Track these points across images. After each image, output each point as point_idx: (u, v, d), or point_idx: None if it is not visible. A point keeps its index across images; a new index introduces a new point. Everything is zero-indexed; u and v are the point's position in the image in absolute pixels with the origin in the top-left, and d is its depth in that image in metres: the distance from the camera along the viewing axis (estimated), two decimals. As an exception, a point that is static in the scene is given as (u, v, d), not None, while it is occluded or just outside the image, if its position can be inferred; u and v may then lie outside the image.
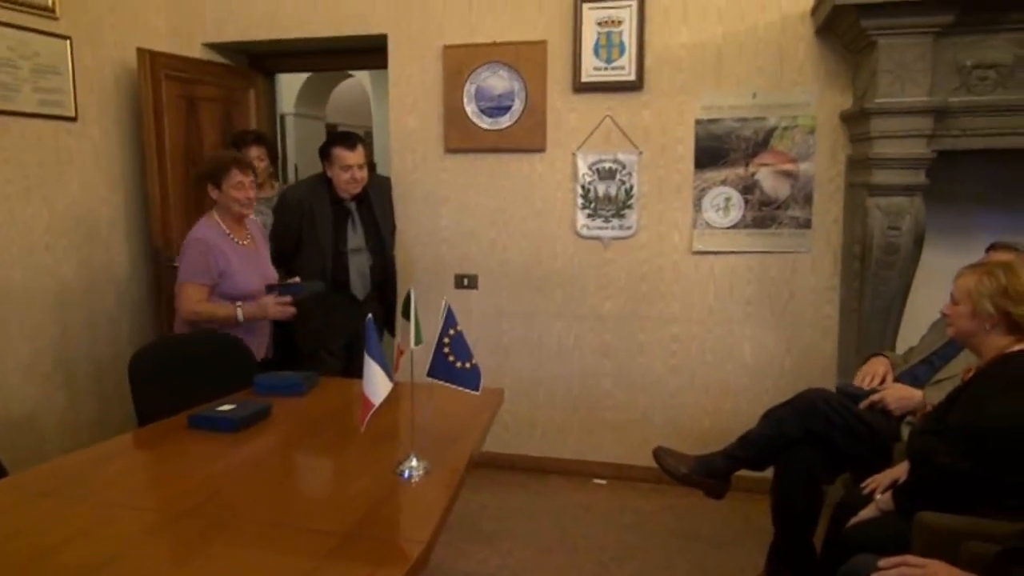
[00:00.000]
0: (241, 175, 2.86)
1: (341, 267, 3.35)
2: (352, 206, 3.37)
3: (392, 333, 3.66)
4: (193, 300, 2.79)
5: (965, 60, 2.86)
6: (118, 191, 3.68)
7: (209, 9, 3.95)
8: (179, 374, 2.55)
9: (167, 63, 3.67)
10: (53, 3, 3.25)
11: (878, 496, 2.10)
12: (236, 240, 2.92)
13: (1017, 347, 1.94)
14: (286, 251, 3.32)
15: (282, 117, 7.88)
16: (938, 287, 2.98)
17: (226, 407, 2.21)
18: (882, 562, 1.51)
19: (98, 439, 2.20)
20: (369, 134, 9.20)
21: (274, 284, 2.95)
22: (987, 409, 1.86)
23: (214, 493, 1.73)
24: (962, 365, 2.36)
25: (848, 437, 2.53)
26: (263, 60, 4.29)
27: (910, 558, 1.47)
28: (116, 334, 3.69)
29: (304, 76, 8.13)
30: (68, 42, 3.34)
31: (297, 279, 3.05)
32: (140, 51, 3.56)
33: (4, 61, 3.06)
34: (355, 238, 3.38)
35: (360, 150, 3.30)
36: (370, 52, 3.97)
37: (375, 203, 3.46)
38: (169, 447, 2.07)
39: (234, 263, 2.86)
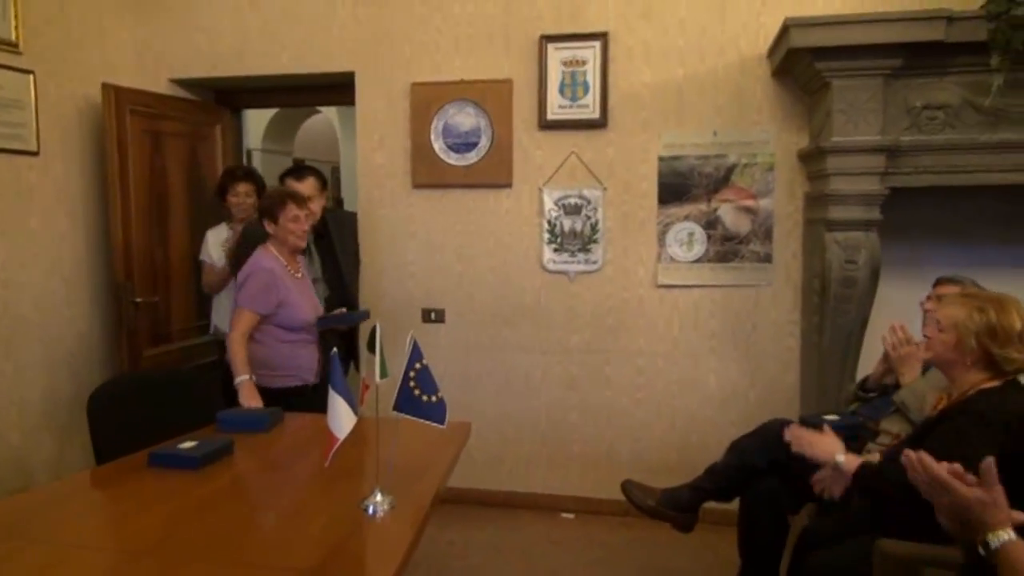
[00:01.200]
0: (296, 209, 2.93)
1: None
2: (309, 238, 3.31)
3: (356, 367, 3.65)
4: (241, 328, 2.84)
5: (915, 101, 2.98)
6: (79, 226, 3.64)
7: (176, 45, 3.95)
8: (139, 411, 2.52)
9: (132, 98, 3.66)
10: (17, 37, 3.23)
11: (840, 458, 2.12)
12: (292, 272, 2.98)
13: (991, 383, 1.95)
14: None
15: (249, 152, 7.87)
16: (894, 318, 3.07)
17: (187, 444, 2.18)
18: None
19: (55, 479, 2.15)
20: (337, 170, 9.22)
21: (322, 316, 3.04)
22: (967, 441, 1.85)
23: (174, 532, 1.69)
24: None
25: (811, 467, 2.56)
26: (230, 96, 4.29)
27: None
28: (76, 371, 3.60)
29: (272, 111, 8.16)
30: (31, 76, 3.31)
31: (343, 310, 3.18)
32: (105, 86, 3.55)
33: (-35, 95, 3.03)
34: (311, 269, 3.34)
35: (310, 181, 3.32)
36: (337, 88, 4.00)
37: (335, 236, 3.47)
38: (128, 486, 2.03)
39: (292, 294, 2.92)
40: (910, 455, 1.47)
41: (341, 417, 1.68)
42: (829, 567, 1.94)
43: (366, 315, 3.20)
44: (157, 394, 2.63)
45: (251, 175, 3.77)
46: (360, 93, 3.82)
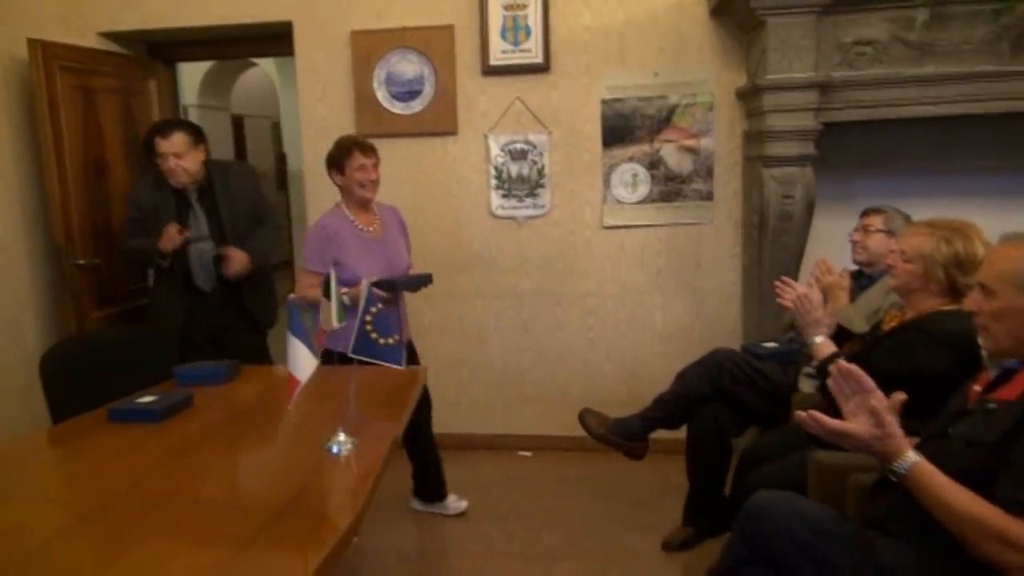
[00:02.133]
0: (363, 158, 2.84)
1: (182, 257, 3.21)
2: (193, 196, 3.22)
3: (261, 328, 3.42)
4: (304, 287, 2.78)
5: (845, 37, 3.07)
6: (13, 189, 3.54)
7: (102, -4, 3.81)
8: (93, 370, 2.51)
9: (60, 54, 3.53)
10: (-69, -9, 3.09)
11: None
12: (361, 227, 2.90)
13: (947, 307, 2.08)
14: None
15: (185, 108, 7.63)
16: (829, 250, 3.22)
17: (147, 398, 2.20)
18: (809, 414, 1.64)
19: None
20: (277, 125, 9.02)
21: (376, 280, 2.73)
22: (912, 357, 2.01)
23: (141, 481, 1.73)
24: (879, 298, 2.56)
25: (752, 392, 2.72)
26: (163, 49, 4.17)
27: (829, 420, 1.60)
28: (19, 336, 3.55)
29: (206, 66, 7.90)
30: (-50, 33, 3.17)
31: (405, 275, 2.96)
32: (31, 41, 3.41)
33: None
34: (196, 227, 3.21)
35: (176, 138, 3.13)
36: (274, 39, 3.92)
37: (219, 191, 3.26)
38: (90, 441, 2.05)
39: (352, 252, 2.82)
40: (800, 415, 1.62)
41: (302, 361, 1.72)
42: (769, 480, 2.07)
43: (428, 279, 2.85)
44: (110, 354, 2.62)
45: (183, 125, 3.60)
46: (298, 43, 3.75)
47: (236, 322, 3.31)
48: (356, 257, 2.83)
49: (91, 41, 3.82)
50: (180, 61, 4.35)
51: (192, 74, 7.86)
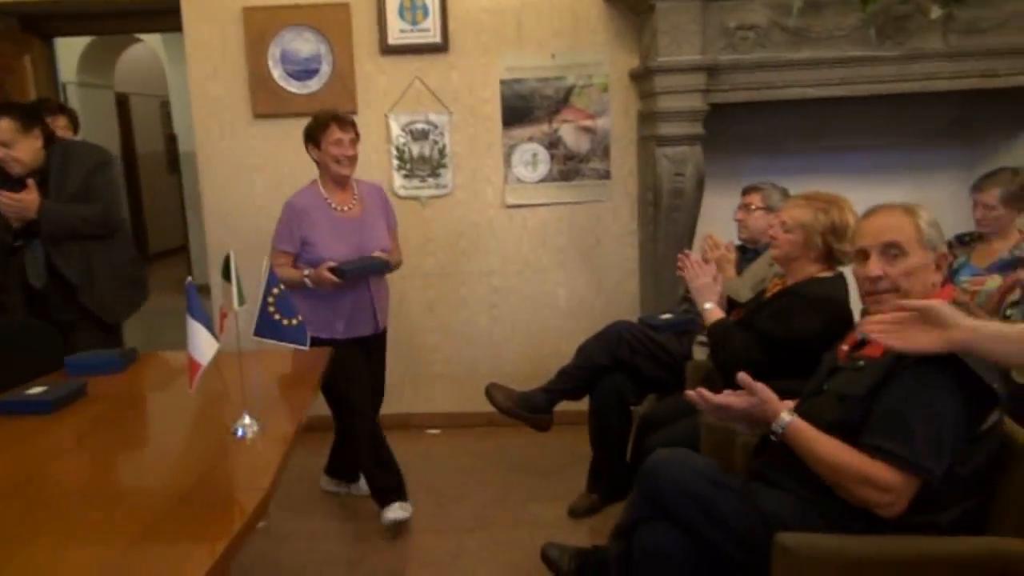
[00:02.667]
0: (340, 131, 2.75)
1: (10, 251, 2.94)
2: (33, 183, 2.87)
3: (109, 326, 3.10)
4: (278, 266, 2.67)
5: (729, 22, 3.23)
6: None
7: (-34, -35, 3.56)
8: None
9: (-79, 26, 3.29)
10: None
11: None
12: (335, 206, 2.79)
13: (823, 274, 2.25)
14: None
15: (63, 86, 7.18)
16: (718, 225, 3.39)
17: (36, 389, 2.11)
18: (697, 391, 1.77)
19: None
20: (167, 103, 8.62)
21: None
22: (791, 322, 2.18)
23: (34, 473, 1.67)
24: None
25: (649, 361, 2.85)
26: (39, 23, 3.92)
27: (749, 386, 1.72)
28: None
29: (85, 42, 7.44)
30: None
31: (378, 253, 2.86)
32: None
33: None
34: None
35: (2, 125, 2.77)
36: (160, 14, 3.77)
37: (54, 174, 2.91)
38: (-27, 436, 1.95)
39: (320, 231, 2.72)
40: (690, 394, 1.76)
41: (202, 342, 1.70)
42: (665, 442, 2.19)
43: (384, 265, 2.82)
44: (-8, 345, 2.49)
45: (64, 109, 3.54)
46: (187, 19, 3.61)
47: (81, 320, 3.00)
48: (322, 237, 2.75)
49: (-44, 13, 3.57)
50: (58, 36, 4.11)
51: (70, 49, 7.38)
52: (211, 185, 3.72)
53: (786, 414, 1.64)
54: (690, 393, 1.75)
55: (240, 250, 3.68)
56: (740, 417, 1.71)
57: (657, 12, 3.16)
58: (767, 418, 1.66)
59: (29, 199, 2.81)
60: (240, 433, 1.84)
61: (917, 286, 1.66)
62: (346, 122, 2.82)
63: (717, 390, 1.74)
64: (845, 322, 2.20)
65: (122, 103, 8.67)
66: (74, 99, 7.59)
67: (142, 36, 7.62)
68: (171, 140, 8.75)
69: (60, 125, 3.41)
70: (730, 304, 2.62)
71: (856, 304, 2.23)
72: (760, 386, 1.66)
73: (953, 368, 1.48)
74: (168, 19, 3.69)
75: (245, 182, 3.74)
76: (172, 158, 8.83)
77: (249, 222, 3.76)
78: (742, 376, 1.69)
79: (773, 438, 1.67)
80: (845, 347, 1.78)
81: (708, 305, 2.40)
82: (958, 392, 1.49)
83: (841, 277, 2.28)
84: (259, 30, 3.57)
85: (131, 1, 3.65)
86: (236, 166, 3.72)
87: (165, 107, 9.03)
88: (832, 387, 1.71)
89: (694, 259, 2.46)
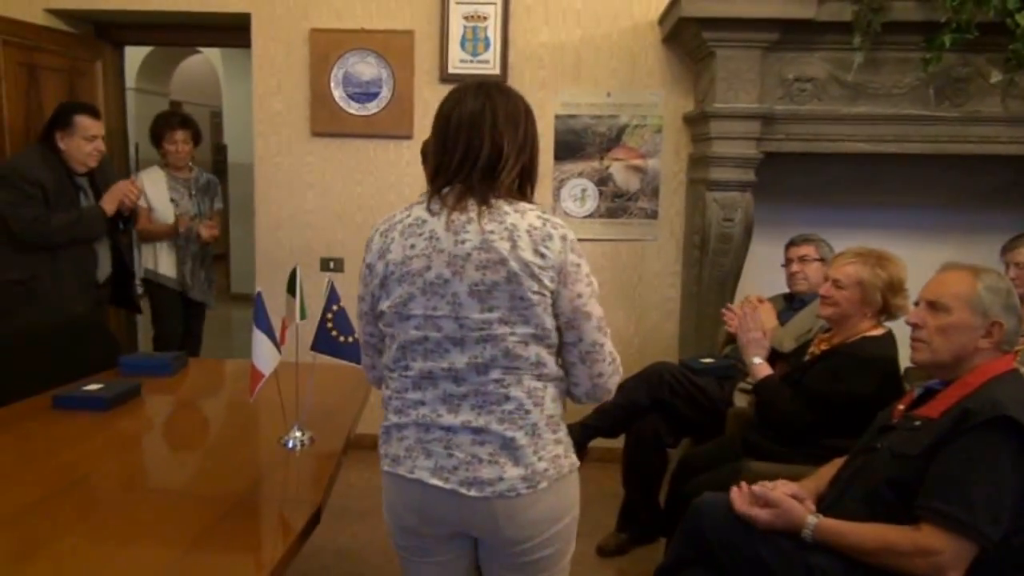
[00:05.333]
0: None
1: (88, 246, 3.23)
2: (83, 182, 3.24)
3: (137, 310, 3.73)
4: None
5: (788, 73, 3.25)
6: (-55, 163, 3.39)
7: (51, -28, 3.70)
8: (23, 363, 2.41)
9: (4, 27, 3.41)
10: None
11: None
12: None
13: (874, 332, 2.23)
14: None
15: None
16: (763, 272, 3.39)
17: (93, 386, 2.17)
18: (740, 485, 1.76)
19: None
20: (218, 114, 8.83)
21: None
22: (842, 382, 2.16)
23: (92, 469, 1.72)
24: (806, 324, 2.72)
25: (689, 405, 2.84)
26: (110, 30, 4.06)
27: (768, 495, 1.71)
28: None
29: (146, 49, 7.67)
30: None
31: None
32: (-27, 13, 3.30)
33: None
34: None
35: (101, 121, 3.24)
36: (229, 30, 3.88)
37: (100, 181, 3.30)
38: (32, 428, 2.00)
39: None
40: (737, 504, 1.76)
41: (265, 353, 1.74)
42: (705, 487, 2.18)
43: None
44: (48, 343, 2.55)
45: (188, 122, 3.76)
46: (256, 36, 3.72)
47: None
48: None
49: (37, 17, 3.70)
50: (129, 44, 4.25)
51: (131, 56, 7.61)
52: (265, 197, 3.80)
53: (811, 517, 1.65)
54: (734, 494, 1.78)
55: (285, 262, 3.79)
56: (769, 528, 1.69)
57: (717, 58, 3.20)
58: (793, 526, 1.66)
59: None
60: (291, 445, 1.87)
61: (952, 345, 1.66)
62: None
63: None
64: (896, 381, 2.19)
65: (176, 110, 8.89)
66: (130, 103, 7.81)
67: (202, 49, 7.84)
68: (219, 150, 8.94)
69: (179, 138, 3.68)
70: (772, 355, 2.62)
71: (904, 362, 2.24)
72: (780, 497, 1.69)
73: (1015, 435, 1.47)
74: (237, 35, 3.80)
75: (298, 196, 3.82)
76: (219, 168, 9.01)
77: (298, 236, 3.84)
78: (758, 488, 1.72)
79: (809, 542, 1.65)
80: (901, 406, 1.77)
81: (757, 360, 2.40)
82: (1019, 459, 1.48)
83: (890, 335, 2.27)
84: (324, 51, 3.66)
85: (203, 16, 3.76)
86: (290, 181, 3.81)
87: (215, 117, 9.24)
88: (885, 445, 1.70)
89: (745, 310, 2.46)
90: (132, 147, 8.13)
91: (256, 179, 3.80)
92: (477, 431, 1.38)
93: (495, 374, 1.37)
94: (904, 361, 2.20)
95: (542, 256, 1.34)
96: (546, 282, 1.34)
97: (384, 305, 1.43)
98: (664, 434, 2.86)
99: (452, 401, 1.40)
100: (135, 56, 7.68)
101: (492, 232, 1.34)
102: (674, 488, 2.59)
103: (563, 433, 1.46)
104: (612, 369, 1.45)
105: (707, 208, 3.34)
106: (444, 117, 1.42)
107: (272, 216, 3.83)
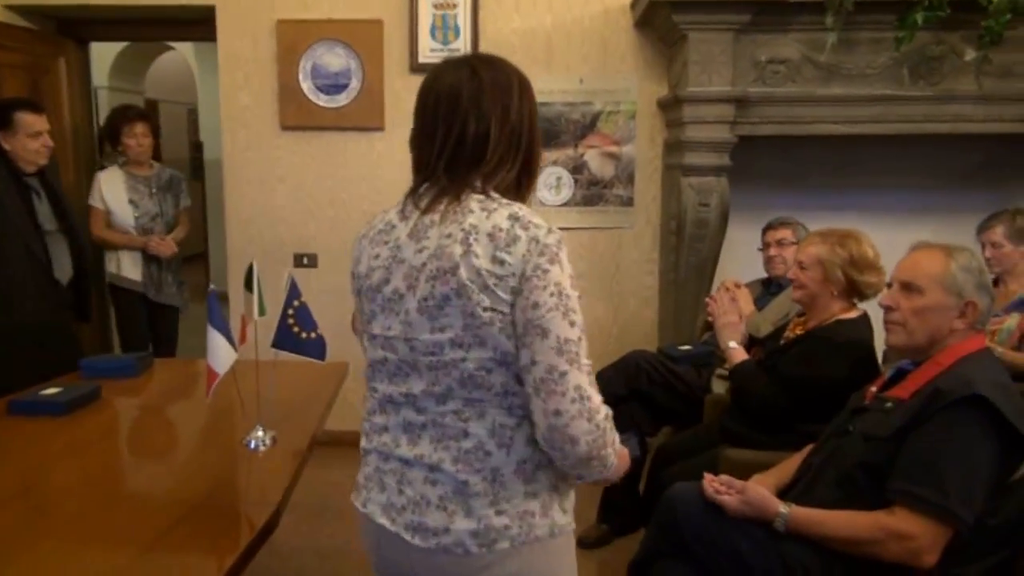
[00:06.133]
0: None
1: (42, 247, 3.11)
2: (34, 182, 3.12)
3: (86, 318, 3.44)
4: None
5: (760, 55, 3.22)
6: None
7: (8, -33, 3.61)
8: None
9: (-40, 25, 3.33)
10: None
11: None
12: None
13: (847, 314, 2.19)
14: None
15: (94, 90, 7.28)
16: (741, 257, 3.36)
17: (50, 391, 2.10)
18: (706, 475, 1.72)
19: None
20: (194, 111, 8.73)
21: None
22: (816, 366, 2.13)
23: (43, 476, 1.66)
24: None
25: (667, 393, 2.81)
26: (75, 27, 3.97)
27: (735, 482, 1.68)
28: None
29: (119, 47, 7.55)
30: None
31: None
32: (-74, 10, 3.21)
33: None
34: (46, 216, 3.14)
35: (45, 116, 3.10)
36: (195, 23, 3.81)
37: (52, 180, 3.21)
38: (-14, 434, 1.94)
39: None
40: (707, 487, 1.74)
41: (220, 352, 1.69)
42: (682, 476, 2.15)
43: None
44: (5, 347, 2.49)
45: (145, 115, 3.65)
46: (221, 29, 3.64)
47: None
48: None
49: (-5, 13, 3.62)
50: (93, 40, 4.16)
51: (104, 55, 7.49)
52: (234, 193, 3.73)
53: (783, 506, 1.62)
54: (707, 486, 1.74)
55: (259, 259, 3.72)
56: (739, 515, 1.66)
57: (689, 42, 3.16)
58: (764, 514, 1.63)
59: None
60: (252, 445, 1.82)
61: (927, 327, 1.63)
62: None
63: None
64: (870, 364, 2.16)
65: (151, 109, 8.77)
66: (104, 103, 7.69)
67: (174, 45, 7.72)
68: (197, 147, 8.84)
69: (139, 132, 3.56)
70: (749, 340, 2.59)
71: (881, 344, 2.22)
72: (748, 485, 1.66)
73: (987, 414, 1.44)
74: (202, 28, 3.72)
75: (268, 191, 3.75)
76: (196, 165, 8.91)
77: (270, 231, 3.78)
78: (725, 479, 1.69)
79: (781, 531, 1.62)
80: (873, 388, 1.74)
81: (732, 344, 2.36)
82: (992, 439, 1.45)
83: (865, 318, 2.23)
84: (291, 43, 3.59)
85: (167, 9, 3.68)
86: (261, 176, 3.74)
87: (192, 114, 9.14)
88: (858, 428, 1.67)
89: (721, 294, 2.43)
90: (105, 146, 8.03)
91: (225, 175, 3.74)
92: (431, 468, 1.17)
93: (454, 404, 1.16)
94: (881, 344, 2.18)
95: (500, 263, 1.09)
96: (502, 295, 1.09)
97: (360, 321, 1.28)
98: (643, 423, 2.83)
99: (413, 430, 1.20)
100: (107, 54, 7.55)
101: (448, 236, 1.12)
102: (652, 477, 2.56)
103: (543, 486, 1.17)
104: (576, 410, 1.09)
105: (683, 194, 3.30)
106: (421, 96, 1.22)
107: (243, 212, 3.77)
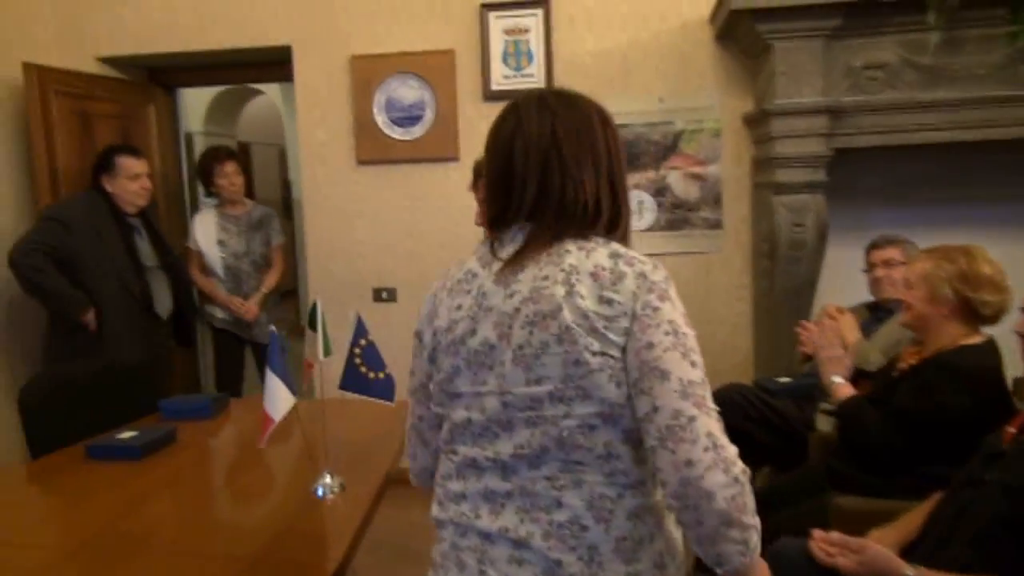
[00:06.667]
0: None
1: (144, 284, 3.28)
2: (136, 221, 3.31)
3: (189, 343, 3.73)
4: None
5: (855, 61, 2.99)
6: (6, 212, 3.46)
7: (101, 21, 3.76)
8: (76, 404, 2.40)
9: (57, 78, 3.48)
10: (-75, 16, 3.05)
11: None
12: None
13: (970, 340, 1.93)
14: (54, 256, 3.06)
15: (189, 135, 7.61)
16: (842, 279, 3.11)
17: (127, 434, 2.10)
18: (816, 533, 1.53)
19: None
20: (284, 152, 9.01)
21: None
22: (935, 399, 1.87)
23: (113, 524, 1.62)
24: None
25: (766, 430, 2.59)
26: (162, 74, 4.12)
27: (850, 541, 1.48)
28: (11, 363, 3.45)
29: (212, 93, 7.89)
30: (-55, 58, 3.13)
31: None
32: (27, 66, 3.37)
33: None
34: (147, 254, 3.33)
35: (145, 160, 3.30)
36: (274, 64, 3.87)
37: (153, 219, 3.43)
38: (64, 479, 1.94)
39: None
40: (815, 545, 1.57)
41: (278, 398, 1.61)
42: (786, 526, 1.94)
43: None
44: (93, 385, 2.52)
45: (234, 155, 3.76)
46: (298, 68, 3.69)
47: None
48: None
49: (90, 65, 3.77)
50: (180, 87, 4.31)
51: (198, 102, 7.85)
52: (314, 229, 3.75)
53: (909, 570, 1.41)
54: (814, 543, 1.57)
55: (337, 294, 3.72)
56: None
57: (775, 52, 2.97)
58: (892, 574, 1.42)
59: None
60: (320, 493, 1.74)
61: None
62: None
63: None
64: (1000, 396, 1.90)
65: (244, 151, 9.13)
66: (199, 147, 8.03)
67: (263, 88, 8.00)
68: (287, 186, 9.12)
69: (230, 171, 3.66)
70: (857, 373, 2.34)
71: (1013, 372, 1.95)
72: (866, 544, 1.47)
73: None
74: (281, 69, 3.78)
75: (346, 227, 3.75)
76: (287, 204, 9.18)
77: (349, 267, 3.77)
78: (838, 537, 1.50)
79: None
80: (1012, 429, 1.50)
81: (837, 380, 2.13)
82: None
83: (991, 343, 1.97)
84: (365, 77, 3.60)
85: (247, 53, 3.76)
86: (338, 210, 3.74)
87: (282, 154, 9.45)
88: (995, 476, 1.44)
89: (822, 323, 2.20)
90: (201, 189, 8.38)
91: (304, 211, 3.77)
92: (517, 544, 1.05)
93: (548, 470, 1.05)
94: (1014, 371, 1.93)
95: (609, 303, 1.01)
96: (613, 338, 1.01)
97: (434, 382, 1.17)
98: (739, 462, 2.60)
99: (495, 499, 1.08)
100: (201, 100, 7.90)
101: (545, 278, 1.04)
102: (752, 524, 2.34)
103: (646, 566, 1.05)
104: (712, 459, 0.98)
105: (775, 214, 3.08)
106: (499, 143, 1.14)
107: (322, 248, 3.77)
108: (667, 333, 1.01)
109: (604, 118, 1.15)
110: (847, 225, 3.27)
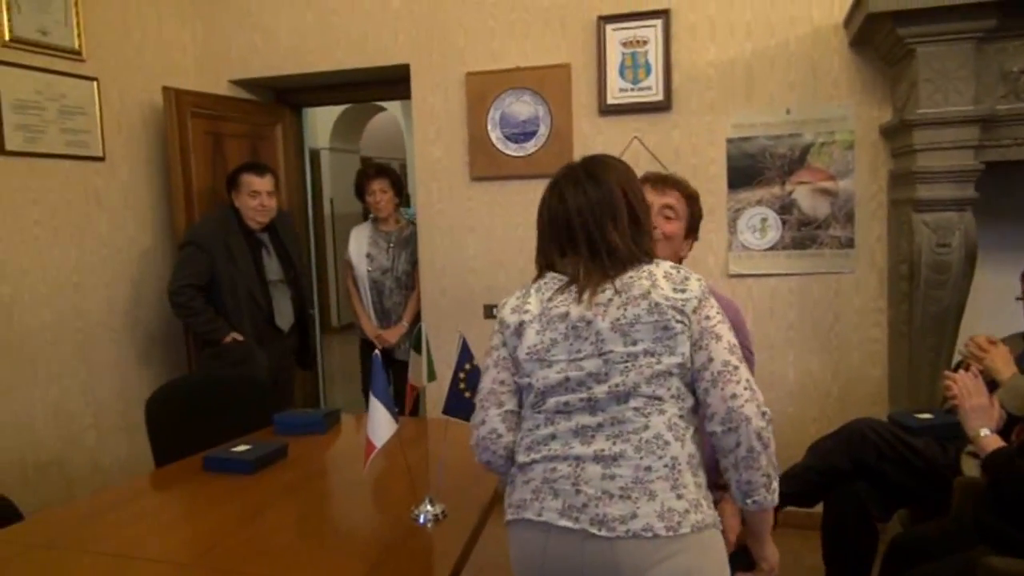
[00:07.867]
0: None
1: (267, 297, 3.41)
2: (264, 237, 3.44)
3: (308, 367, 3.86)
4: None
5: (1012, 66, 2.70)
6: (146, 229, 3.69)
7: (235, 46, 3.97)
8: (197, 414, 2.50)
9: (193, 101, 3.69)
10: (79, 45, 3.29)
11: None
12: None
13: None
14: (201, 284, 3.28)
15: (316, 152, 7.96)
16: (992, 307, 2.81)
17: (241, 448, 2.15)
18: None
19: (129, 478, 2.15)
20: (404, 166, 9.26)
21: None
22: None
23: (222, 540, 1.65)
24: None
25: (902, 470, 2.35)
26: (289, 94, 4.29)
27: None
28: (145, 372, 3.67)
29: (338, 111, 8.22)
30: (95, 83, 3.36)
31: None
32: (166, 90, 3.58)
33: (30, 103, 3.09)
34: (273, 269, 3.45)
35: (269, 177, 3.38)
36: (394, 83, 3.95)
37: (283, 235, 3.53)
38: (181, 491, 2.01)
39: None
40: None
41: (380, 423, 1.59)
42: (927, 582, 1.75)
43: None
44: (214, 397, 2.62)
45: (384, 171, 3.83)
46: (415, 85, 3.74)
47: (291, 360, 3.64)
48: None
49: (222, 88, 3.98)
50: (306, 106, 4.47)
51: (325, 119, 8.21)
52: (428, 245, 3.78)
53: None
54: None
55: (448, 309, 3.73)
56: None
57: (918, 58, 2.72)
58: None
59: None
60: (422, 520, 1.71)
61: None
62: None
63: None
64: None
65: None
66: (325, 162, 8.40)
67: (385, 104, 8.26)
68: (407, 201, 9.36)
69: (376, 188, 3.74)
70: (1010, 420, 2.09)
71: None
72: None
73: None
74: (401, 87, 3.85)
75: (459, 242, 3.75)
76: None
77: (461, 283, 3.77)
78: None
79: None
80: None
81: (984, 432, 1.91)
82: None
83: None
84: (480, 94, 3.60)
85: (368, 72, 3.86)
86: (452, 226, 3.76)
87: (403, 169, 9.72)
88: None
89: (968, 374, 1.98)
90: (327, 203, 8.73)
91: (419, 227, 3.80)
92: (611, 460, 1.34)
93: (635, 402, 1.37)
94: None
95: (682, 292, 1.40)
96: (688, 311, 1.38)
97: (522, 352, 1.46)
98: (872, 505, 2.38)
99: (586, 432, 1.38)
100: (328, 119, 8.26)
101: (630, 277, 1.42)
102: (886, 573, 2.13)
103: (704, 481, 1.38)
104: (749, 395, 1.34)
105: (915, 233, 2.83)
106: (553, 215, 1.53)
107: (436, 264, 3.80)
108: (717, 312, 1.41)
109: (624, 176, 1.52)
110: (1000, 246, 2.97)
